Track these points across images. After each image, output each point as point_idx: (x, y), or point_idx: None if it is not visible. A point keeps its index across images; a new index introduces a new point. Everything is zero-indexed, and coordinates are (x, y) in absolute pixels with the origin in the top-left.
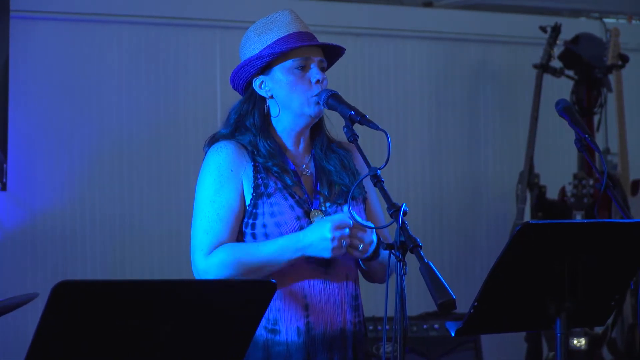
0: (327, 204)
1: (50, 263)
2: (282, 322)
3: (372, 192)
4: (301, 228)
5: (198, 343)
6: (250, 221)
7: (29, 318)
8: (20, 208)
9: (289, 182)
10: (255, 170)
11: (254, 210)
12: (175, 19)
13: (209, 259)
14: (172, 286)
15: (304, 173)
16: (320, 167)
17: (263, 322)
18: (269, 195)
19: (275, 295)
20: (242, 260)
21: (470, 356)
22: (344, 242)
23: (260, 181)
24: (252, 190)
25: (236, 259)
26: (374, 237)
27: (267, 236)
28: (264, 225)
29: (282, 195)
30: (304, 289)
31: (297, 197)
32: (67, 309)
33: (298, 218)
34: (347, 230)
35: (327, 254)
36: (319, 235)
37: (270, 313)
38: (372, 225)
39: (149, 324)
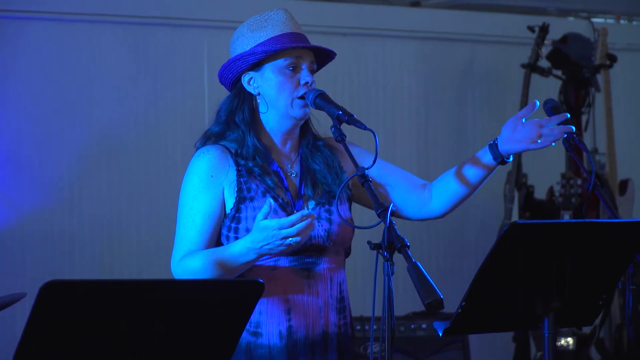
0: (310, 204)
1: (39, 263)
2: (264, 325)
3: (388, 165)
4: None
5: (186, 342)
6: (234, 225)
7: (17, 318)
8: (8, 208)
9: (271, 184)
10: (239, 174)
11: (237, 215)
12: (164, 19)
13: (179, 266)
14: (160, 286)
15: (289, 174)
16: (306, 166)
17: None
18: (252, 199)
19: None
20: (211, 260)
21: (458, 356)
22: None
23: (243, 185)
24: (234, 195)
25: (204, 263)
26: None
27: None
28: (248, 230)
29: (265, 199)
30: (287, 293)
31: (280, 201)
32: (55, 309)
33: None
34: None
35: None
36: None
37: (252, 316)
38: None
39: (137, 323)
